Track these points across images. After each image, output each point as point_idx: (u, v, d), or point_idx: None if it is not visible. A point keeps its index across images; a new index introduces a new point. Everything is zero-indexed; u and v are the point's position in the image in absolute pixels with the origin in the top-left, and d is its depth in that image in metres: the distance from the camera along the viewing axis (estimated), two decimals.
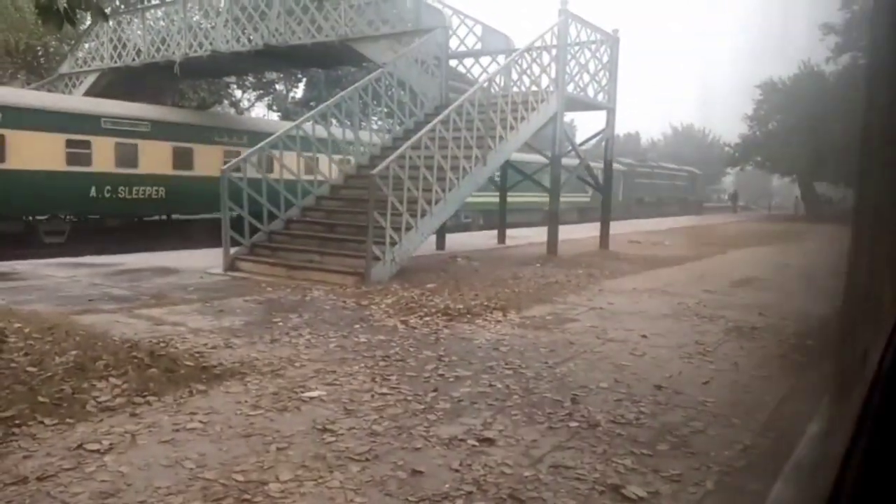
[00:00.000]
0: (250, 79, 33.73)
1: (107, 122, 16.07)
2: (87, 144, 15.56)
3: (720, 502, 3.00)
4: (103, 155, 15.85)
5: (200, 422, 3.66)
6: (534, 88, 12.09)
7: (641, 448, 3.50)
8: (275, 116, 36.27)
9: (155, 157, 16.42)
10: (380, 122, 14.61)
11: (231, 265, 10.03)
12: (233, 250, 10.20)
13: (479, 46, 14.36)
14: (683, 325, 6.89)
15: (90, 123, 15.77)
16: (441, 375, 4.74)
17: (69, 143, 15.32)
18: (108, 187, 15.95)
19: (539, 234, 15.22)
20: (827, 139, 27.25)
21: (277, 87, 37.16)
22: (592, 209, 32.21)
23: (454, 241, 15.05)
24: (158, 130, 16.89)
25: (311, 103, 32.65)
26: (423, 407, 4.03)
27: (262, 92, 36.98)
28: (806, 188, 42.56)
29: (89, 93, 18.42)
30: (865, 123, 1.22)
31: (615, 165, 41.01)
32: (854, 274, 1.29)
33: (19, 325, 5.58)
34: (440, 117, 10.03)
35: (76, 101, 17.05)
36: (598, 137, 14.93)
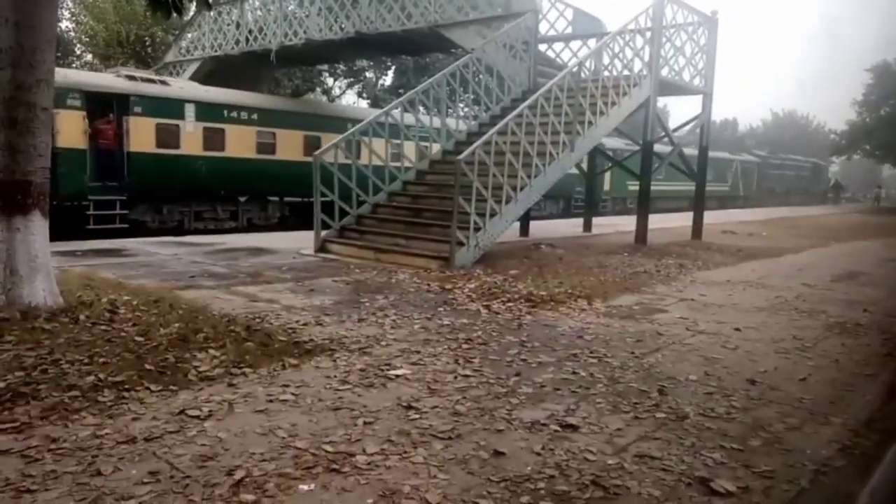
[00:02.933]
0: (341, 67, 34.52)
1: None
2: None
3: (815, 502, 2.86)
4: None
5: (292, 394, 3.82)
6: (626, 73, 11.78)
7: (732, 442, 3.39)
8: (364, 104, 36.97)
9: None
10: (466, 109, 14.62)
11: (321, 247, 10.35)
12: (323, 233, 10.52)
13: (569, 30, 14.12)
14: (780, 320, 6.58)
15: None
16: (524, 360, 4.74)
17: None
18: None
19: (627, 223, 14.86)
20: None
21: (367, 74, 37.85)
22: (731, 198, 37.37)
23: (538, 227, 14.93)
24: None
25: (400, 90, 33.07)
26: (505, 390, 4.05)
27: (352, 80, 37.77)
28: None
29: (192, 80, 19.35)
30: None
31: (750, 157, 42.46)
32: None
33: (128, 297, 5.99)
34: (527, 102, 9.93)
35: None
36: (692, 123, 14.39)
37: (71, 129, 13.60)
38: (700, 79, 13.54)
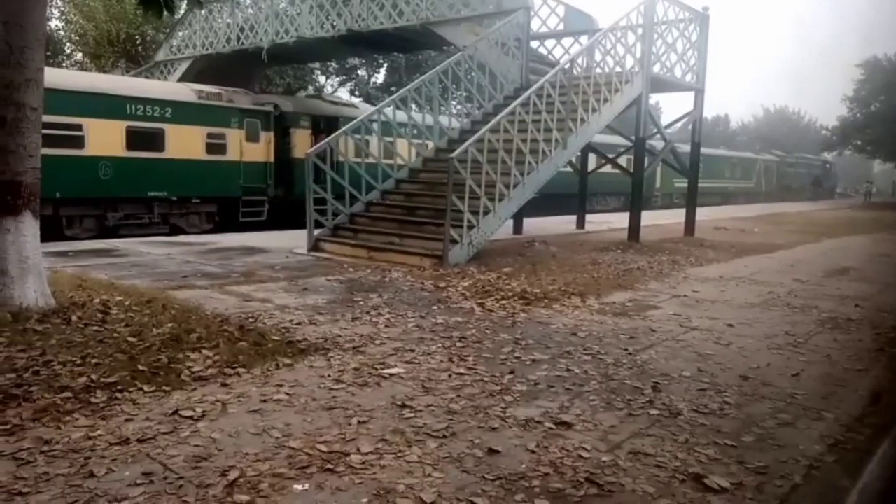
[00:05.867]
0: (333, 64, 34.44)
1: None
2: None
3: (808, 497, 2.88)
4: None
5: (286, 394, 3.81)
6: (618, 69, 11.78)
7: (725, 439, 3.40)
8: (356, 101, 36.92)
9: None
10: (459, 106, 14.64)
11: (314, 246, 10.33)
12: (316, 232, 10.49)
13: (561, 27, 14.13)
14: (773, 315, 6.61)
15: None
16: (518, 358, 4.74)
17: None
18: None
19: (620, 220, 14.88)
20: None
21: (359, 72, 37.77)
22: (755, 193, 41.54)
23: (531, 225, 14.93)
24: None
25: (392, 88, 33.01)
26: (499, 388, 4.05)
27: (344, 77, 37.69)
28: None
29: (183, 79, 19.27)
30: None
31: (771, 157, 45.99)
32: None
33: (120, 298, 5.96)
34: (520, 100, 9.93)
35: None
36: (684, 120, 14.42)
37: (302, 143, 17.30)
38: (692, 75, 13.57)
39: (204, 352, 4.46)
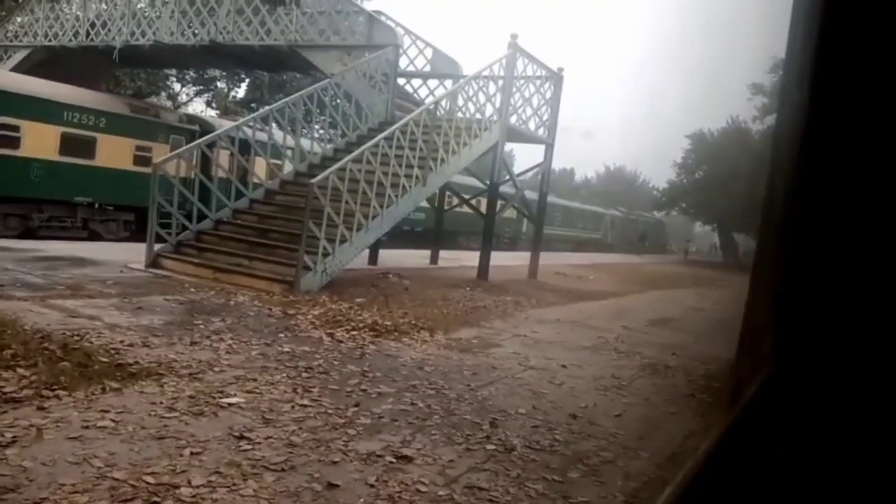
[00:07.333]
0: (191, 73, 32.99)
1: None
2: None
3: None
4: None
5: (112, 420, 3.54)
6: (478, 116, 12.33)
7: (553, 474, 3.62)
8: (213, 114, 35.46)
9: None
10: (322, 131, 14.60)
11: (154, 262, 9.72)
12: (157, 247, 9.88)
13: (428, 68, 14.56)
14: (601, 359, 7.13)
15: None
16: (364, 391, 4.75)
17: None
18: None
19: (471, 258, 15.40)
20: (746, 194, 28.68)
21: (219, 84, 36.42)
22: (602, 243, 46.06)
23: (387, 257, 15.03)
24: None
25: (253, 104, 32.17)
26: (343, 421, 4.04)
27: (202, 88, 36.16)
28: (724, 237, 44.68)
29: (17, 69, 17.55)
30: (770, 181, 1.34)
31: (616, 212, 52.05)
32: (746, 323, 1.42)
33: None
34: (384, 134, 10.08)
35: None
36: (535, 170, 15.30)
37: (223, 162, 15.48)
38: (544, 129, 14.46)
39: (19, 370, 4.05)
